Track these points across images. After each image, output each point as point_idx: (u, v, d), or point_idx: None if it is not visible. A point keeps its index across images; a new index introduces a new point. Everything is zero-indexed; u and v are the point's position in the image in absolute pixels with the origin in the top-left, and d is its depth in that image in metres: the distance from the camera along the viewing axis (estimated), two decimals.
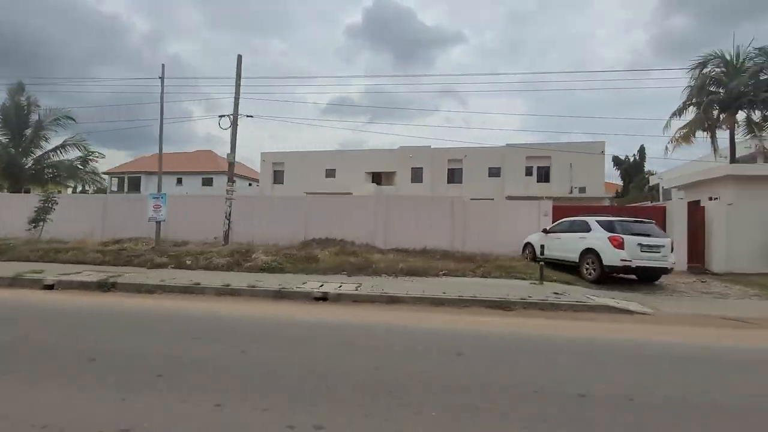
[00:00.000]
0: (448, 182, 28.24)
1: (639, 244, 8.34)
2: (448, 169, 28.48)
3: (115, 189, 45.64)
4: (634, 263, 8.25)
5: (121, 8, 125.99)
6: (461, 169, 28.19)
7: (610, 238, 8.56)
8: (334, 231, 14.11)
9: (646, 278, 9.13)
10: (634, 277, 9.18)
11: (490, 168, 27.58)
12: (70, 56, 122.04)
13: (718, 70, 16.28)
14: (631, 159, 34.73)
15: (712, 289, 8.94)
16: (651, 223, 9.21)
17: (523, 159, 26.47)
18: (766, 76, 15.59)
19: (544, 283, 8.11)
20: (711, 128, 16.41)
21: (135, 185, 44.77)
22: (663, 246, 8.47)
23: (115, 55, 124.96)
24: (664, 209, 13.42)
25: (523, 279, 8.59)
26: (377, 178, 30.61)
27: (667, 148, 17.32)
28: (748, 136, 16.12)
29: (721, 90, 16.14)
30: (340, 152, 31.26)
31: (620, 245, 8.39)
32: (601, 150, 25.27)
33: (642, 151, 34.76)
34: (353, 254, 11.18)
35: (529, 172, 26.88)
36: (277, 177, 32.20)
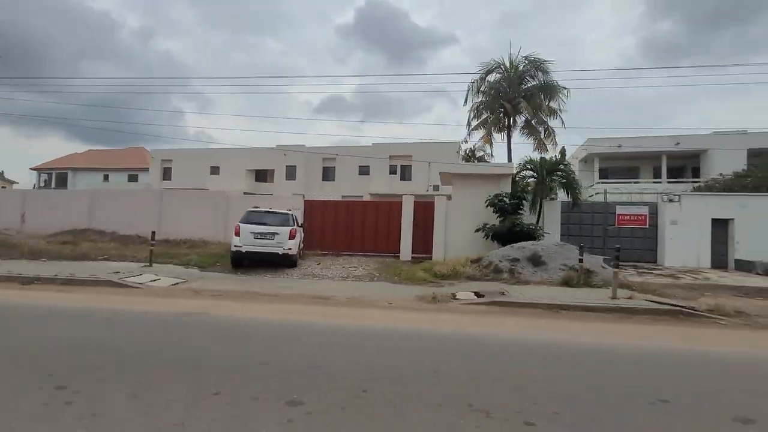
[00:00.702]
0: (323, 180, 29.23)
1: (252, 233, 9.30)
2: (323, 167, 29.46)
3: (42, 185, 45.51)
4: (245, 249, 9.20)
5: (113, 5, 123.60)
6: (334, 167, 29.19)
7: (235, 227, 9.51)
8: (115, 224, 14.92)
9: (263, 262, 9.78)
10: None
11: (360, 166, 28.62)
12: (61, 52, 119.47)
13: (499, 76, 17.55)
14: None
15: (323, 272, 9.86)
16: (286, 214, 10.18)
17: (387, 158, 27.57)
18: (532, 83, 16.93)
19: (154, 265, 9.01)
20: (501, 130, 17.69)
21: (62, 181, 44.67)
22: (278, 234, 9.43)
23: (106, 52, 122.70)
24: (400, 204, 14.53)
25: (137, 261, 9.56)
26: (262, 175, 31.40)
27: (459, 146, 18.56)
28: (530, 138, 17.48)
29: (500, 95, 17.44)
30: (225, 150, 31.94)
31: (237, 233, 9.34)
32: (456, 150, 26.51)
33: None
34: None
35: (393, 170, 28.04)
36: (166, 173, 32.70)
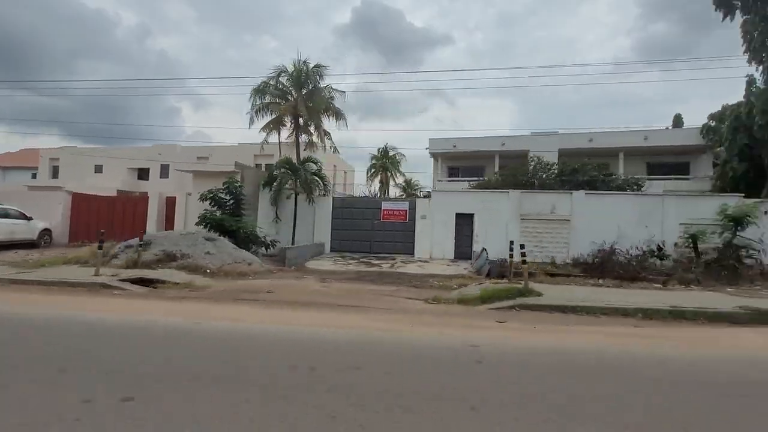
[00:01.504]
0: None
1: None
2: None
3: None
4: None
5: (108, 2, 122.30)
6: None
7: None
8: None
9: None
10: None
11: (236, 162, 29.47)
12: (56, 50, 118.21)
13: (285, 80, 18.59)
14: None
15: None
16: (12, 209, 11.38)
17: (251, 156, 28.53)
18: (311, 87, 18.01)
19: None
20: (291, 131, 18.73)
21: None
22: None
23: (100, 50, 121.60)
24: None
25: None
26: (145, 173, 32.23)
27: (262, 147, 19.59)
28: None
29: (289, 97, 18.47)
30: (108, 149, 32.72)
31: None
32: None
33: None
34: None
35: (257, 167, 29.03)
36: (54, 172, 33.41)
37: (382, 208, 17.04)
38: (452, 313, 5.88)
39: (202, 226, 13.67)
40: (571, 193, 15.33)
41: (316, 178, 15.64)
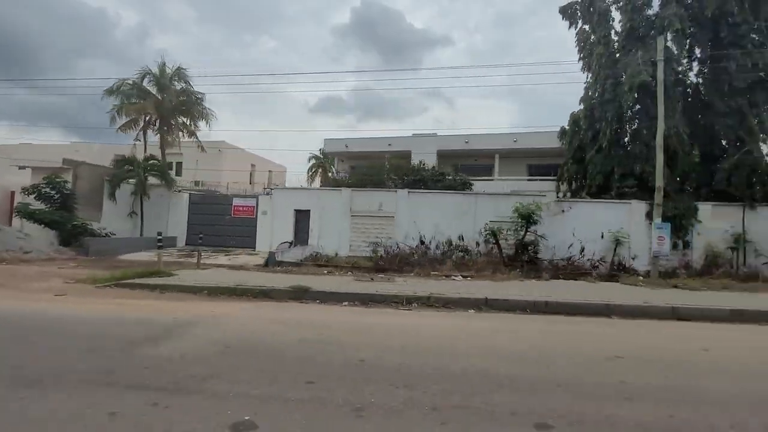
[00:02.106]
0: None
1: None
2: None
3: None
4: None
5: (108, 1, 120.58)
6: None
7: None
8: None
9: None
10: None
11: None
12: (56, 48, 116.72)
13: (150, 81, 19.41)
14: None
15: None
16: None
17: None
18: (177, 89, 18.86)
19: None
20: (144, 129, 19.57)
21: None
22: None
23: (100, 48, 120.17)
24: None
25: None
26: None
27: (134, 144, 20.39)
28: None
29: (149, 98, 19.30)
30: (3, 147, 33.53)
31: None
32: (219, 149, 28.43)
33: None
34: None
35: (170, 167, 29.76)
36: None
37: (233, 204, 17.94)
38: (57, 290, 6.83)
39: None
40: (396, 191, 16.35)
41: (155, 174, 16.49)
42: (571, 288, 9.04)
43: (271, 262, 12.26)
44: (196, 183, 27.93)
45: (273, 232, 16.91)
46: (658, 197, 12.44)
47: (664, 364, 3.92)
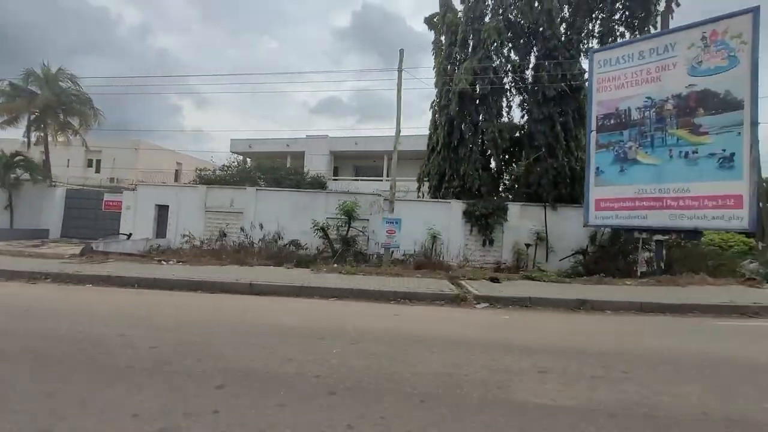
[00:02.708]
0: None
1: None
2: None
3: None
4: None
5: (110, 1, 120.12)
6: None
7: None
8: None
9: None
10: None
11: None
12: (57, 46, 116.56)
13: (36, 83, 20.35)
14: None
15: None
16: None
17: (83, 152, 30.23)
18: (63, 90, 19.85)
19: None
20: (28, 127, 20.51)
21: None
22: None
23: (102, 46, 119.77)
24: None
25: None
26: None
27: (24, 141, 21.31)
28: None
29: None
30: None
31: None
32: (136, 147, 29.41)
33: None
34: None
35: (90, 164, 30.75)
36: None
37: (104, 199, 18.91)
38: None
39: None
40: (246, 188, 17.34)
41: (23, 168, 17.43)
42: (328, 276, 9.69)
43: (86, 252, 13.20)
44: (112, 180, 28.91)
45: (135, 225, 17.82)
46: (391, 194, 13.80)
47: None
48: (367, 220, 16.03)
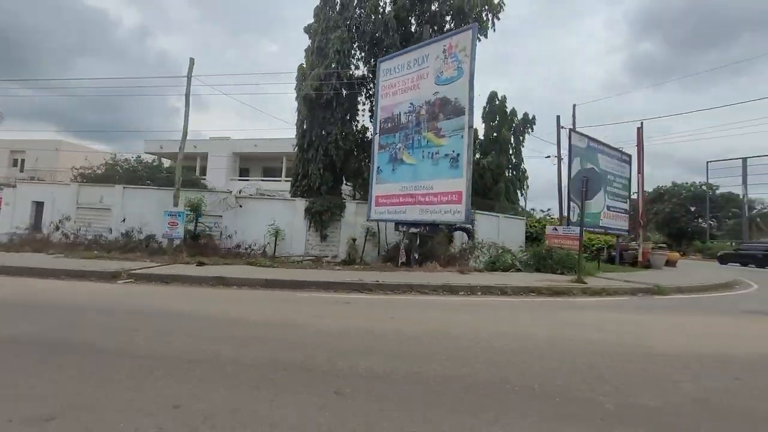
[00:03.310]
0: None
1: None
2: None
3: None
4: None
5: (110, 1, 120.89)
6: None
7: None
8: None
9: None
10: None
11: None
12: (55, 47, 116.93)
13: None
14: None
15: None
16: None
17: (8, 152, 31.19)
18: None
19: None
20: None
21: None
22: None
23: (102, 48, 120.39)
24: None
25: None
26: None
27: None
28: None
29: None
30: None
31: None
32: (55, 147, 30.36)
33: None
34: None
35: (15, 163, 31.68)
36: None
37: None
38: None
39: None
40: (114, 186, 18.33)
41: None
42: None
43: None
44: (32, 177, 29.83)
45: (13, 221, 18.77)
46: (177, 192, 14.87)
47: None
48: (221, 216, 17.01)
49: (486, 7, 16.50)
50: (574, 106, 23.49)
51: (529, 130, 32.13)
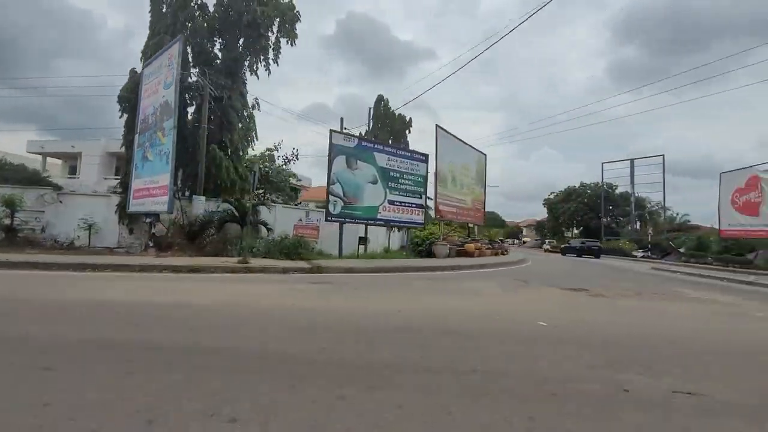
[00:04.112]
0: None
1: None
2: None
3: None
4: None
5: (93, 2, 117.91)
6: None
7: None
8: None
9: None
10: None
11: None
12: (38, 48, 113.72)
13: None
14: None
15: None
16: None
17: None
18: None
19: None
20: None
21: None
22: None
23: (83, 49, 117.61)
24: None
25: None
26: None
27: None
28: None
29: None
30: None
31: None
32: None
33: None
34: None
35: None
36: None
37: None
38: None
39: None
40: None
41: None
42: None
43: None
44: None
45: None
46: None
47: None
48: (43, 212, 18.02)
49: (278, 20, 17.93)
50: (342, 119, 25.02)
51: (407, 131, 34.17)
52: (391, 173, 17.07)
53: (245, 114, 19.18)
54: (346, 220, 15.40)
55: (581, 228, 47.23)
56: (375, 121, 33.40)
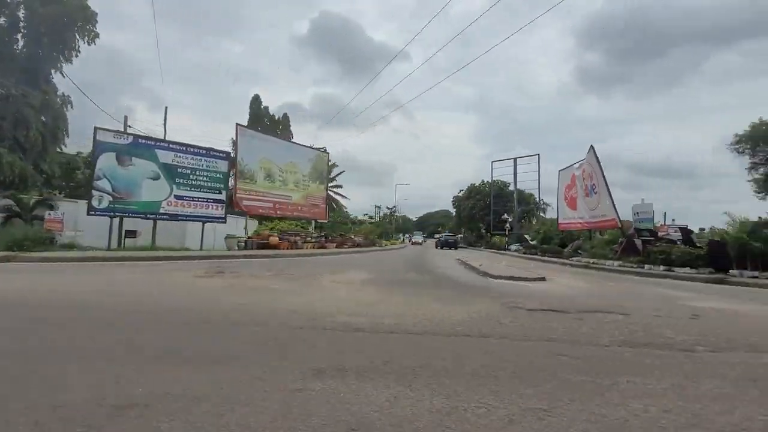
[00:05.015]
0: None
1: None
2: None
3: None
4: None
5: None
6: None
7: None
8: None
9: None
10: None
11: None
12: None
13: None
14: None
15: None
16: None
17: None
18: None
19: None
20: None
21: None
22: None
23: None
24: None
25: None
26: None
27: None
28: None
29: None
30: None
31: None
32: None
33: None
34: None
35: None
36: None
37: None
38: None
39: None
40: None
41: None
42: None
43: None
44: None
45: None
46: None
47: None
48: None
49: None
50: (126, 117, 25.89)
51: (279, 128, 35.17)
52: (179, 169, 17.84)
53: (50, 113, 19.54)
54: (116, 214, 16.05)
55: (479, 224, 49.50)
56: (252, 120, 34.28)
